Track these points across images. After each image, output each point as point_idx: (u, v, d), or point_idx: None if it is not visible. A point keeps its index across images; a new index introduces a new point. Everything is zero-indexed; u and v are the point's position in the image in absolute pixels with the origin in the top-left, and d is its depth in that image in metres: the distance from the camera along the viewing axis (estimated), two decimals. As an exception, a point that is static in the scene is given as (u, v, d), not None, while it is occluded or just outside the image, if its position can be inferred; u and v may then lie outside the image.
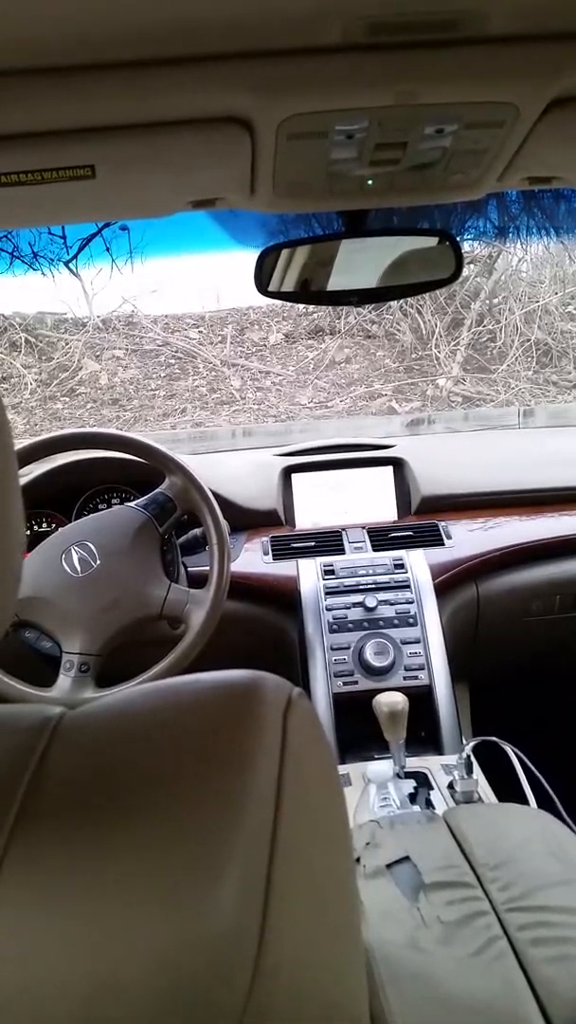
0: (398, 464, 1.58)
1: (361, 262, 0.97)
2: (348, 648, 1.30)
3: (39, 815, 0.33)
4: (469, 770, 1.03)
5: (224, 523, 1.22)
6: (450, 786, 1.07)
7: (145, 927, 0.30)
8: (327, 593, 1.36)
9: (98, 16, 0.50)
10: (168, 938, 0.29)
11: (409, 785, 1.07)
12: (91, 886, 0.31)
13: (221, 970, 0.29)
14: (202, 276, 3.88)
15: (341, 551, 1.45)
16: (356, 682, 1.27)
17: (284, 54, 0.57)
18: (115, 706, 0.38)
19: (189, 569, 1.36)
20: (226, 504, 1.39)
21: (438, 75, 0.59)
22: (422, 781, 1.10)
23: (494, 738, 1.01)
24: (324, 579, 1.38)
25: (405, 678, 1.27)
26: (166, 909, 0.30)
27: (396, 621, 1.32)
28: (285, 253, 0.96)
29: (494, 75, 0.60)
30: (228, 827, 0.32)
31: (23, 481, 1.29)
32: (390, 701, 1.07)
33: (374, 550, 1.45)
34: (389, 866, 0.72)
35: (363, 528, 1.49)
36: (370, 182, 0.74)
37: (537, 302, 4.24)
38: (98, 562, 1.17)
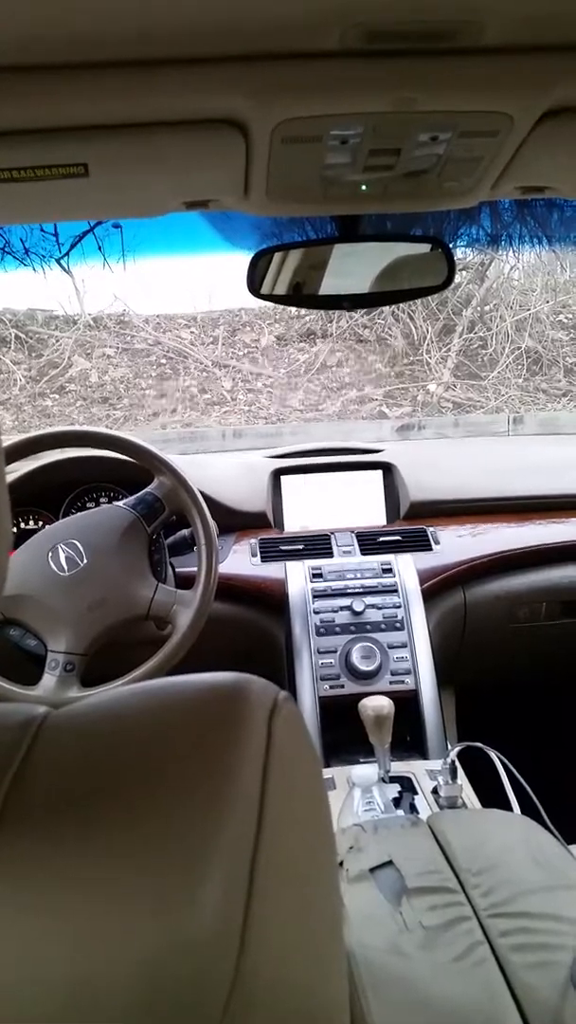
0: (388, 469, 1.59)
1: (353, 267, 0.97)
2: (335, 652, 1.30)
3: (21, 814, 0.32)
4: (454, 775, 1.04)
5: (213, 524, 1.21)
6: (434, 791, 1.07)
7: (126, 929, 0.29)
8: (315, 596, 1.36)
9: (96, 16, 0.50)
10: (149, 940, 0.29)
11: (393, 789, 1.07)
12: (72, 886, 0.30)
13: (201, 973, 0.29)
14: (195, 276, 3.88)
15: (329, 554, 1.45)
16: (342, 686, 1.27)
17: (281, 58, 0.57)
18: (100, 706, 0.38)
19: (177, 570, 1.36)
20: (215, 505, 1.39)
21: (434, 83, 0.59)
22: (407, 786, 1.10)
23: (479, 744, 1.02)
24: (312, 582, 1.38)
25: (391, 682, 1.27)
26: (147, 911, 0.30)
27: (383, 625, 1.32)
28: (278, 256, 0.96)
29: (489, 85, 0.60)
30: (211, 829, 0.32)
31: (10, 478, 1.28)
32: (376, 705, 1.07)
33: (362, 554, 1.45)
34: (372, 870, 0.72)
35: (352, 532, 1.50)
36: (364, 187, 0.74)
37: (528, 310, 4.27)
38: (85, 561, 1.17)
